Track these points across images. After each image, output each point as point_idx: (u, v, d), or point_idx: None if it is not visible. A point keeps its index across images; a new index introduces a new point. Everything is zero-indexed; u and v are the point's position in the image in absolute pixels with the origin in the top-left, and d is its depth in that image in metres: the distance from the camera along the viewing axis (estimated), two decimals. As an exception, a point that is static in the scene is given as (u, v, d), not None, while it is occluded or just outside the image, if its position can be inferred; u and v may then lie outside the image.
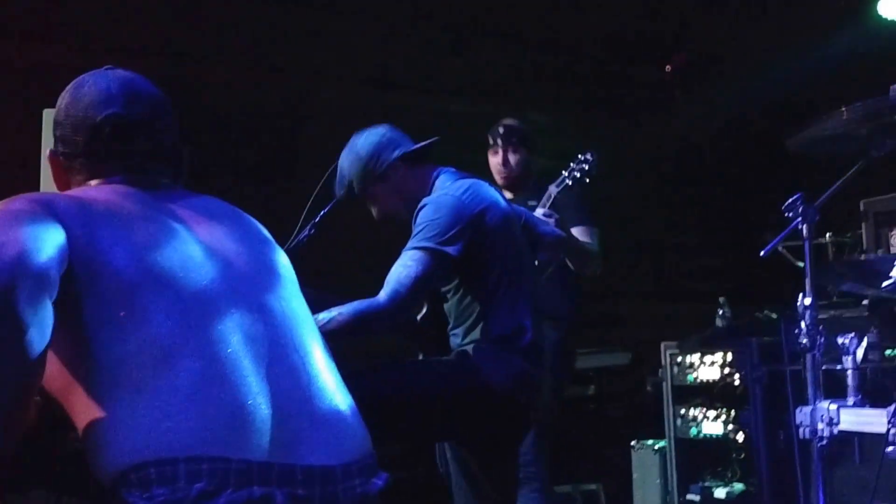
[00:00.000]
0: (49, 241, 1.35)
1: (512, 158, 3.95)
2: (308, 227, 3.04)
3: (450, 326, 2.80)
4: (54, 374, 1.38)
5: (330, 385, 1.53)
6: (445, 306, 2.84)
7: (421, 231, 2.62)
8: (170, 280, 1.43)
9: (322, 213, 3.06)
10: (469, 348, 2.68)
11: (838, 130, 2.67)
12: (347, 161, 2.87)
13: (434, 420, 2.64)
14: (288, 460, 1.36)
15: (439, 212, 2.63)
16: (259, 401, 1.38)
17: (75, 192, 1.61)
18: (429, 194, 2.78)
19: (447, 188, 2.76)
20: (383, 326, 2.61)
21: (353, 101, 4.72)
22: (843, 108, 2.53)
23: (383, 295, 2.55)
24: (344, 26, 4.82)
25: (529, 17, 5.32)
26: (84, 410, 1.36)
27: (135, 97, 1.67)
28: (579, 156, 3.55)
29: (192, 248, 1.52)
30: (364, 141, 2.86)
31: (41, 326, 1.30)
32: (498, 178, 3.93)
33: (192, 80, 4.40)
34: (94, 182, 1.65)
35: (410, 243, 2.62)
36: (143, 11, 4.31)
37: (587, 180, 3.54)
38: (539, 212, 3.41)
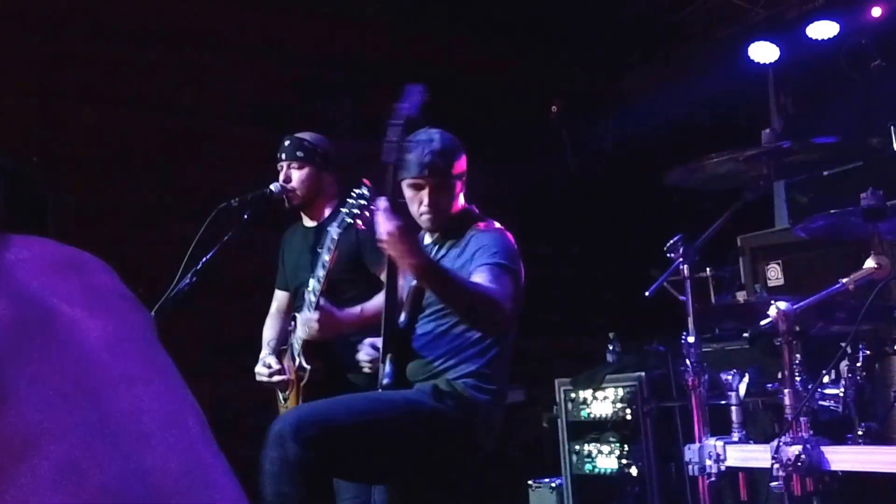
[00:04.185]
0: None
1: (295, 175, 3.40)
2: (189, 275, 2.97)
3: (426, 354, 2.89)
4: None
5: (207, 455, 1.48)
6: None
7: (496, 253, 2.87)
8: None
9: (204, 259, 3.01)
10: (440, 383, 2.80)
11: (713, 173, 2.77)
12: (442, 141, 2.93)
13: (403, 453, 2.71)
14: None
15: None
16: (131, 481, 1.33)
17: None
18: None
19: None
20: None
21: (237, 142, 4.66)
22: (714, 156, 2.61)
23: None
24: (224, 65, 4.77)
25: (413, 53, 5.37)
26: None
27: None
28: (354, 191, 3.11)
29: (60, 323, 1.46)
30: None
31: None
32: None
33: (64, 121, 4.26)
34: None
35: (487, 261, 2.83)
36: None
37: (367, 214, 3.12)
38: (318, 276, 3.12)
